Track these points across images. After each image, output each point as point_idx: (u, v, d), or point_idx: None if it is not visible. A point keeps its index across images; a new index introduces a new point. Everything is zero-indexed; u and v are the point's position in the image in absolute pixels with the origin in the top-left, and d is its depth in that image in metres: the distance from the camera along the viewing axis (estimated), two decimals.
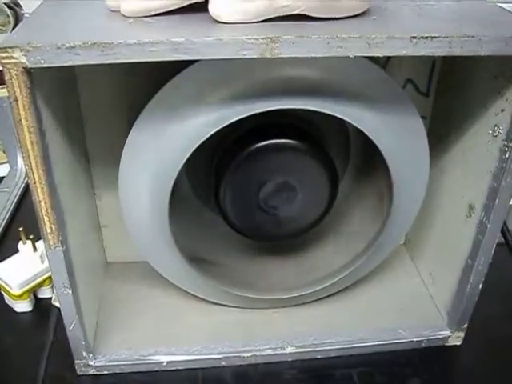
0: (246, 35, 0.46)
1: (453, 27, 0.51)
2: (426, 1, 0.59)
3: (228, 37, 0.46)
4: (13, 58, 0.44)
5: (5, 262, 0.77)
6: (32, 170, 0.50)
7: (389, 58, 0.68)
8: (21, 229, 0.75)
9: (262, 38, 0.46)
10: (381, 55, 0.48)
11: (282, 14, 0.49)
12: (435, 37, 0.48)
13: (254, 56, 0.46)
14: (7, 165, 1.05)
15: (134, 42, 0.45)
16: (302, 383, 0.67)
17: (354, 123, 0.57)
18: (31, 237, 0.75)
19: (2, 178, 1.03)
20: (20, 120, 0.47)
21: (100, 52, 0.45)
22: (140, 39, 0.45)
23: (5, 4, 1.12)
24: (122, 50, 0.45)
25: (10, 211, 0.94)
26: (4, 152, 1.05)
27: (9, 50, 0.44)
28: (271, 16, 0.49)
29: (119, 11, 0.52)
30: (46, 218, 0.53)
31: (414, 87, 0.71)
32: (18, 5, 1.13)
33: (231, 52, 0.46)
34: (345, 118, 0.56)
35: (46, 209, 0.52)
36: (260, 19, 0.49)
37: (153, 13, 0.51)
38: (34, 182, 0.50)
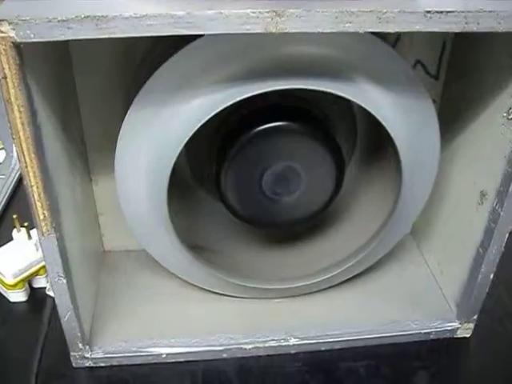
0: (250, 9, 0.43)
1: (468, 2, 0.48)
2: None
3: (231, 10, 0.43)
4: (1, 31, 0.41)
5: None
6: (23, 152, 0.47)
7: (398, 39, 0.65)
8: (15, 216, 0.73)
9: (267, 12, 0.43)
10: (392, 31, 0.45)
11: None
12: (450, 11, 0.45)
13: (258, 31, 0.44)
14: (3, 151, 1.03)
15: (130, 16, 0.42)
16: (306, 376, 0.65)
17: (362, 104, 0.54)
18: (25, 224, 0.73)
19: None
20: (9, 99, 0.44)
21: (94, 26, 0.42)
22: (137, 12, 0.42)
23: None
24: (118, 24, 0.42)
25: (5, 198, 0.92)
26: (0, 138, 1.03)
27: None
28: None
29: None
30: (38, 204, 0.50)
31: (423, 69, 0.69)
32: None
33: (234, 26, 0.43)
34: (353, 99, 0.54)
35: (39, 194, 0.50)
36: None
37: None
38: (26, 166, 0.48)
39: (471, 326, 0.69)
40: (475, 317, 0.68)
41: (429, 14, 0.45)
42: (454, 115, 0.67)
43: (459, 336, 0.70)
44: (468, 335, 0.70)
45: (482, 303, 0.67)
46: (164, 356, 0.65)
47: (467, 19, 0.46)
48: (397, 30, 0.45)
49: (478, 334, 0.70)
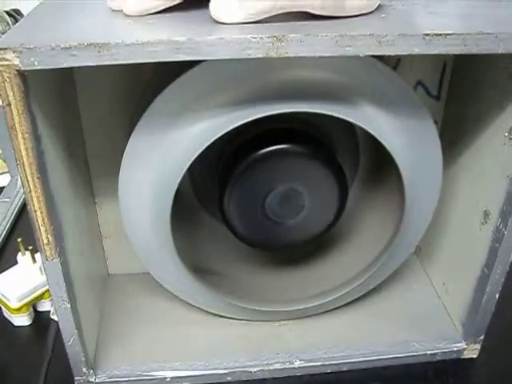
0: (250, 34, 0.43)
1: (467, 24, 0.49)
2: None
3: (232, 36, 0.43)
4: (5, 59, 0.42)
5: (3, 274, 0.74)
6: (27, 177, 0.47)
7: (399, 60, 0.66)
8: (19, 240, 0.73)
9: (268, 37, 0.43)
10: (392, 54, 0.46)
11: (285, 11, 0.47)
12: (449, 34, 0.45)
13: (259, 55, 0.44)
14: (8, 175, 1.03)
15: (132, 42, 0.43)
16: None
17: (364, 127, 0.54)
18: (30, 248, 0.73)
19: (3, 188, 1.01)
20: (14, 125, 0.45)
21: (97, 53, 0.43)
22: (139, 39, 0.43)
23: (5, 12, 1.11)
24: (120, 51, 0.43)
25: (10, 222, 0.93)
26: (4, 161, 1.04)
27: (1, 51, 0.42)
28: (273, 14, 0.47)
29: (121, 11, 0.50)
30: (42, 229, 0.51)
31: (424, 90, 0.69)
32: (18, 13, 1.13)
33: (235, 51, 0.44)
34: (355, 122, 0.54)
35: (43, 219, 0.50)
36: (262, 17, 0.47)
37: (158, 9, 0.50)
38: (29, 191, 0.48)
39: (478, 346, 0.69)
40: (482, 337, 0.68)
41: (428, 37, 0.45)
42: (455, 135, 0.67)
43: (466, 357, 0.69)
44: (475, 356, 0.69)
45: (489, 324, 0.66)
46: (168, 380, 0.65)
47: (466, 41, 0.46)
48: (397, 53, 0.46)
49: (485, 354, 0.69)
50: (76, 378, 0.63)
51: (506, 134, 0.57)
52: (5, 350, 0.69)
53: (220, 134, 0.52)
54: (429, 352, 0.68)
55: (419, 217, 0.64)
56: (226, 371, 0.65)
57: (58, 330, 0.60)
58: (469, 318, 0.68)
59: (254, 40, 0.43)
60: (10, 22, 1.09)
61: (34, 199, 0.49)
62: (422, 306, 0.74)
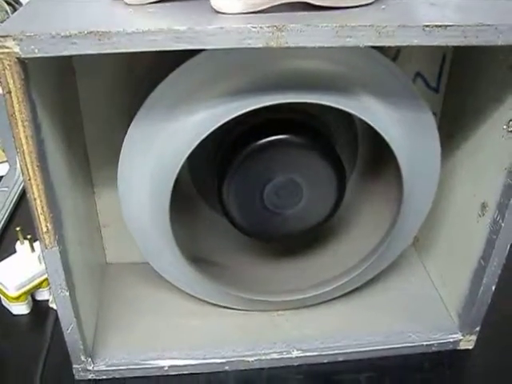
0: (250, 24, 0.43)
1: (467, 16, 0.49)
2: None
3: (232, 25, 0.43)
4: (5, 47, 0.42)
5: (2, 263, 0.74)
6: (26, 165, 0.47)
7: (398, 51, 0.66)
8: (18, 228, 0.73)
9: (268, 27, 0.43)
10: (392, 45, 0.46)
11: (285, 2, 0.47)
12: (449, 25, 0.45)
13: (259, 45, 0.44)
14: (6, 164, 1.03)
15: (133, 31, 0.43)
16: None
17: (363, 118, 0.54)
18: (29, 237, 0.73)
19: (1, 177, 1.01)
20: (14, 113, 0.45)
21: (97, 41, 0.43)
22: (139, 28, 0.43)
23: (4, 1, 1.11)
24: (121, 40, 0.43)
25: (8, 211, 0.93)
26: (3, 151, 1.03)
27: (1, 39, 0.42)
28: (274, 4, 0.47)
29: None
30: (41, 217, 0.51)
31: (423, 82, 0.69)
32: (17, 1, 1.12)
33: (235, 41, 0.44)
34: (354, 113, 0.54)
35: (42, 207, 0.50)
36: (262, 8, 0.47)
37: None
38: (29, 179, 0.48)
39: (474, 337, 0.69)
40: (478, 329, 0.68)
41: (427, 28, 0.45)
42: (454, 128, 0.67)
43: (462, 348, 0.70)
44: (471, 347, 0.70)
45: (485, 316, 0.67)
46: (166, 368, 0.65)
47: (466, 33, 0.46)
48: (396, 44, 0.46)
49: (481, 346, 0.69)
50: (74, 366, 0.63)
51: (505, 127, 0.57)
52: (3, 339, 0.70)
53: (219, 124, 0.52)
54: (425, 343, 0.69)
55: (417, 208, 0.65)
56: (223, 360, 0.66)
57: (57, 318, 0.60)
58: (465, 309, 0.68)
59: (254, 29, 0.43)
60: (8, 11, 1.09)
61: (34, 187, 0.49)
62: (418, 297, 0.75)
